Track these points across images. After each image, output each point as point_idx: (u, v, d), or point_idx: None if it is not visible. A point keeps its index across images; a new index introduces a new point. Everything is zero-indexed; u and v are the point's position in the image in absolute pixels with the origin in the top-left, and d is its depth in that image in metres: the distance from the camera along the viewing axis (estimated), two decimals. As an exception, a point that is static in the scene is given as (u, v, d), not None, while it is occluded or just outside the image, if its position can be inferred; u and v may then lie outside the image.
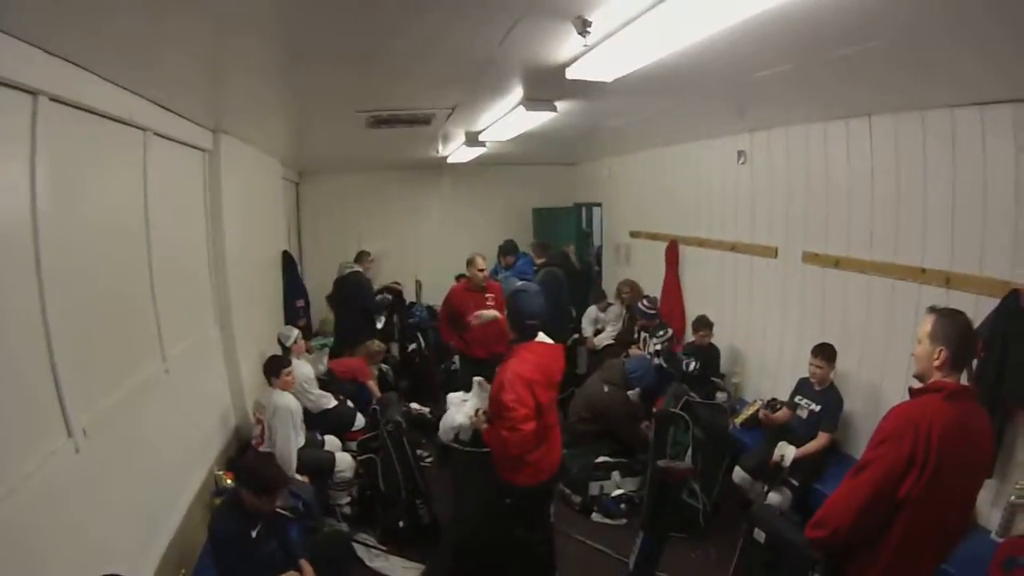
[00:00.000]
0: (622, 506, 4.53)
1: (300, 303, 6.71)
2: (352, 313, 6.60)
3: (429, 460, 5.18)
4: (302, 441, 4.20)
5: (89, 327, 2.58)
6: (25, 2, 1.83)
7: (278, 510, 2.98)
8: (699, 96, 4.10)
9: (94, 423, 2.47)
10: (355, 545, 3.98)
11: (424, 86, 3.83)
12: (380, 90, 3.88)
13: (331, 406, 4.95)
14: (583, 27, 2.43)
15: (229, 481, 3.66)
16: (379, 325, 7.14)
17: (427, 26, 2.55)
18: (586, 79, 3.05)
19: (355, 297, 6.54)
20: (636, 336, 6.14)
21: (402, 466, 4.28)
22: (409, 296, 8.86)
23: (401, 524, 4.23)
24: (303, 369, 4.80)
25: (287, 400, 4.08)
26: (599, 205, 9.08)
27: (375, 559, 3.96)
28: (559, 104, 4.19)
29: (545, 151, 7.87)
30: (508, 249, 7.21)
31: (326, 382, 5.40)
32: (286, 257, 6.68)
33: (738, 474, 4.26)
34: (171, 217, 3.63)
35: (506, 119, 4.69)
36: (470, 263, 5.37)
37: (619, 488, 4.63)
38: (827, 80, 3.40)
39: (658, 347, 5.66)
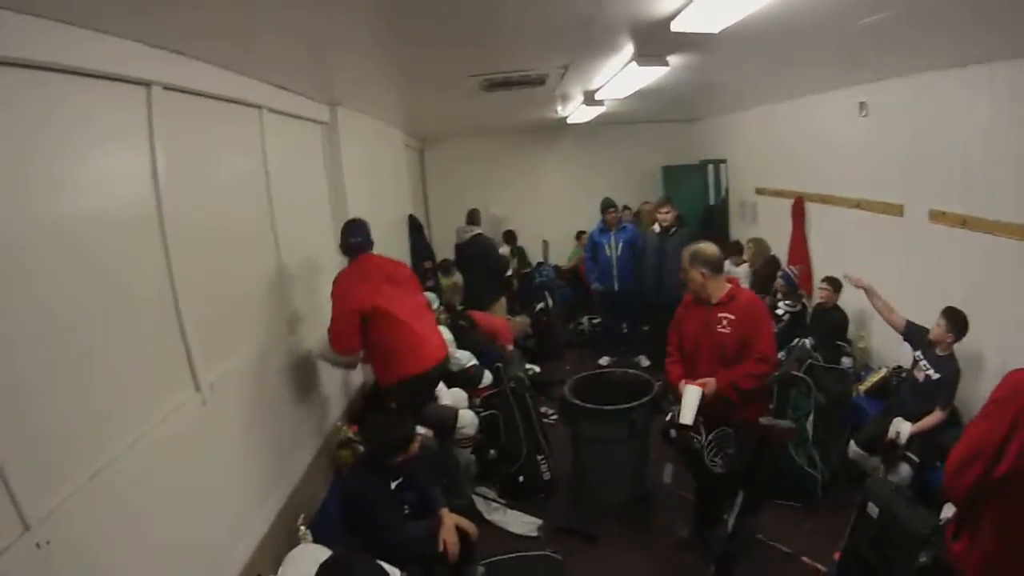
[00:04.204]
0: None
1: (428, 264, 6.94)
2: (480, 276, 6.75)
3: (554, 417, 5.20)
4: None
5: (216, 295, 2.77)
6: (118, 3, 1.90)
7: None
8: (811, 45, 3.77)
9: (221, 380, 2.69)
10: (474, 498, 4.13)
11: (531, 48, 3.75)
12: (488, 58, 3.88)
13: (471, 364, 5.07)
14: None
15: (352, 433, 3.92)
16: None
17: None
18: (692, 31, 2.91)
19: (483, 260, 6.67)
20: (774, 294, 5.81)
21: (524, 422, 4.37)
22: (536, 256, 8.97)
23: (520, 479, 4.31)
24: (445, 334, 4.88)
25: None
26: (724, 161, 8.58)
27: (493, 512, 4.07)
28: (671, 59, 3.97)
29: (665, 108, 7.52)
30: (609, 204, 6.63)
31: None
32: (412, 221, 6.91)
33: (852, 449, 3.94)
34: (293, 187, 3.81)
35: (620, 76, 4.50)
36: (695, 256, 3.18)
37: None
38: (944, 24, 3.02)
39: (783, 315, 5.38)
